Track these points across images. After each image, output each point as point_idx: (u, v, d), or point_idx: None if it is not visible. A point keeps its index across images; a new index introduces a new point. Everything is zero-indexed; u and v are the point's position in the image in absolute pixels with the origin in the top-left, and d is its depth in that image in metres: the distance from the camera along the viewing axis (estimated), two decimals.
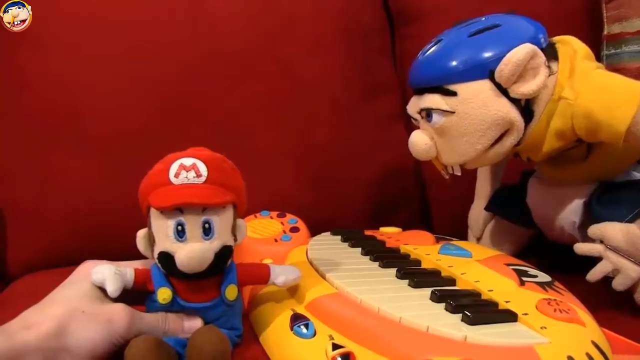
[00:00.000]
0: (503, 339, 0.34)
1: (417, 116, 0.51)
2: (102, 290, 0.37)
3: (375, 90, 0.77)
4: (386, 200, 0.75)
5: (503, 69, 0.44)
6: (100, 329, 0.35)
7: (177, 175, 0.36)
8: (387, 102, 0.79)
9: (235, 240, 0.40)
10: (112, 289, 0.36)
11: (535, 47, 0.44)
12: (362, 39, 0.77)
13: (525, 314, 0.36)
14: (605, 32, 0.71)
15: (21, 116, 0.66)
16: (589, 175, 0.52)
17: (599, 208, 0.49)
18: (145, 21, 0.68)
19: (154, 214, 0.37)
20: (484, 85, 0.46)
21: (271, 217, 0.59)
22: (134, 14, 0.68)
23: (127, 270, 0.38)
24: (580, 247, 0.48)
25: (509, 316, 0.36)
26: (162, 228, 0.36)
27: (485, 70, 0.45)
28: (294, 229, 0.57)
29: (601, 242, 0.46)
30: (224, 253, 0.38)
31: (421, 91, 0.49)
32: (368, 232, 0.57)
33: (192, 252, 0.36)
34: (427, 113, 0.49)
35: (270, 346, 0.40)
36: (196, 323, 0.38)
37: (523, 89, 0.45)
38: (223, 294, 0.39)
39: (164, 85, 0.68)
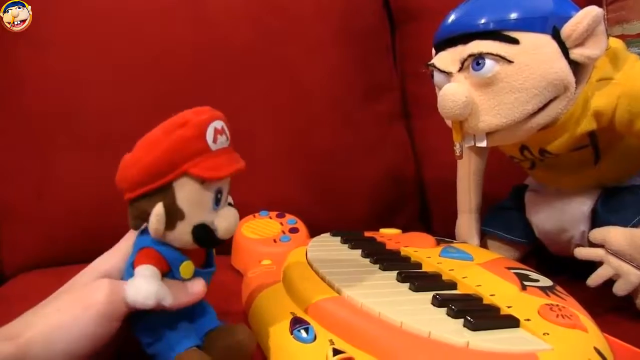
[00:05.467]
0: (505, 346, 0.33)
1: (454, 67, 0.44)
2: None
3: (376, 90, 0.77)
4: (386, 200, 0.75)
5: (576, 27, 0.42)
6: (80, 314, 0.32)
7: (215, 141, 0.34)
8: (387, 102, 0.79)
9: None
10: (171, 301, 0.33)
11: (602, 11, 0.42)
12: (362, 39, 0.77)
13: (528, 320, 0.36)
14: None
15: (19, 115, 0.66)
16: (597, 181, 0.51)
17: (604, 214, 0.49)
18: (144, 21, 0.68)
19: (188, 185, 0.33)
20: (547, 40, 0.42)
21: (270, 218, 0.59)
22: (134, 13, 0.68)
23: (152, 269, 0.34)
24: (581, 252, 0.48)
25: (511, 322, 0.36)
26: (201, 199, 0.34)
27: (549, 26, 0.42)
28: (293, 230, 0.57)
29: (603, 246, 0.46)
30: None
31: (466, 39, 0.44)
32: (368, 234, 0.56)
33: (232, 218, 0.35)
34: (477, 60, 0.43)
35: (269, 350, 0.39)
36: (199, 284, 0.36)
37: (589, 52, 0.42)
38: (212, 258, 0.38)
39: (164, 85, 0.67)
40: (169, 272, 0.35)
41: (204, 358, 0.34)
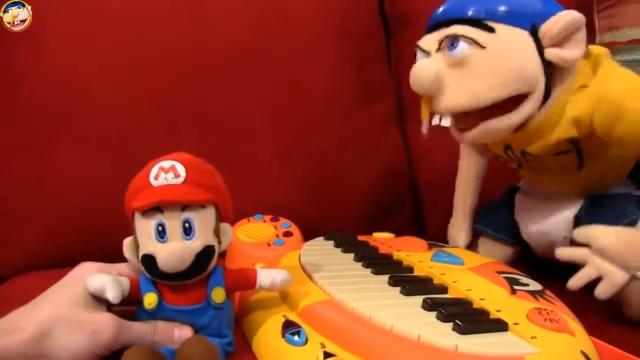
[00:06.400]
0: (493, 349, 0.34)
1: (433, 47, 0.47)
2: (94, 297, 0.37)
3: (371, 93, 0.78)
4: (381, 203, 0.75)
5: (553, 27, 0.43)
6: (83, 339, 0.35)
7: (156, 178, 0.37)
8: (382, 106, 0.79)
9: (220, 243, 0.40)
10: (114, 295, 0.36)
11: (584, 18, 0.44)
12: (358, 43, 0.78)
13: (516, 324, 0.37)
14: (597, 41, 0.71)
15: (18, 114, 0.66)
16: (581, 186, 0.51)
17: (587, 221, 0.48)
18: (144, 21, 0.69)
19: (137, 218, 0.38)
20: (524, 35, 0.44)
21: (264, 221, 0.59)
22: (134, 12, 0.69)
23: (123, 278, 0.38)
24: (563, 252, 0.47)
25: (500, 326, 0.36)
26: (144, 230, 0.37)
27: (528, 22, 0.44)
28: (287, 233, 0.57)
29: (586, 246, 0.45)
30: (206, 253, 0.38)
31: (449, 23, 0.46)
32: (361, 238, 0.57)
33: (172, 251, 0.36)
34: (452, 41, 0.45)
35: (261, 353, 0.39)
36: (186, 332, 0.38)
37: (563, 54, 0.44)
38: (209, 297, 0.39)
39: (162, 85, 0.68)
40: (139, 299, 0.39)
41: (142, 355, 0.34)
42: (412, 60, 0.80)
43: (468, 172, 0.62)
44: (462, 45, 0.44)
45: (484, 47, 0.44)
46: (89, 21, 0.67)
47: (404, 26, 0.82)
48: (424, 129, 0.48)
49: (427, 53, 0.47)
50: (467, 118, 0.47)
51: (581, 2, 0.75)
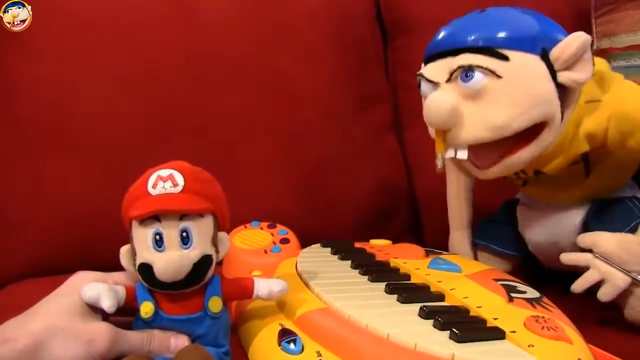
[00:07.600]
0: (490, 358, 0.34)
1: (442, 78, 0.44)
2: (90, 306, 0.37)
3: (368, 100, 0.78)
4: (377, 211, 0.75)
5: (565, 50, 0.42)
6: (78, 349, 0.34)
7: (154, 186, 0.37)
8: (379, 112, 0.79)
9: (217, 252, 0.39)
10: (109, 304, 0.36)
11: (590, 39, 0.43)
12: (355, 49, 0.78)
13: (513, 332, 0.36)
14: (594, 47, 0.72)
15: (12, 122, 0.65)
16: (588, 194, 0.52)
17: (595, 225, 0.49)
18: (138, 30, 0.68)
19: (134, 226, 0.38)
20: (536, 60, 0.43)
21: (261, 228, 0.59)
22: (128, 22, 0.68)
23: (119, 287, 0.38)
24: (568, 257, 0.48)
25: (497, 334, 0.36)
26: (142, 239, 0.37)
27: (539, 47, 0.43)
28: (284, 240, 0.57)
29: (590, 251, 0.46)
30: (204, 263, 0.38)
31: (456, 52, 0.44)
32: (358, 245, 0.56)
33: (170, 260, 0.36)
34: (466, 72, 0.43)
35: None
36: (183, 341, 0.38)
37: (575, 77, 0.43)
38: (206, 306, 0.38)
39: (156, 94, 0.67)
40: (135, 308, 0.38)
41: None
42: (410, 68, 0.81)
43: (458, 190, 0.62)
44: (477, 76, 0.42)
45: (500, 77, 0.42)
46: (83, 30, 0.67)
47: (401, 33, 0.82)
48: (439, 162, 0.46)
49: (435, 84, 0.45)
50: (486, 154, 0.45)
51: (578, 8, 0.75)
